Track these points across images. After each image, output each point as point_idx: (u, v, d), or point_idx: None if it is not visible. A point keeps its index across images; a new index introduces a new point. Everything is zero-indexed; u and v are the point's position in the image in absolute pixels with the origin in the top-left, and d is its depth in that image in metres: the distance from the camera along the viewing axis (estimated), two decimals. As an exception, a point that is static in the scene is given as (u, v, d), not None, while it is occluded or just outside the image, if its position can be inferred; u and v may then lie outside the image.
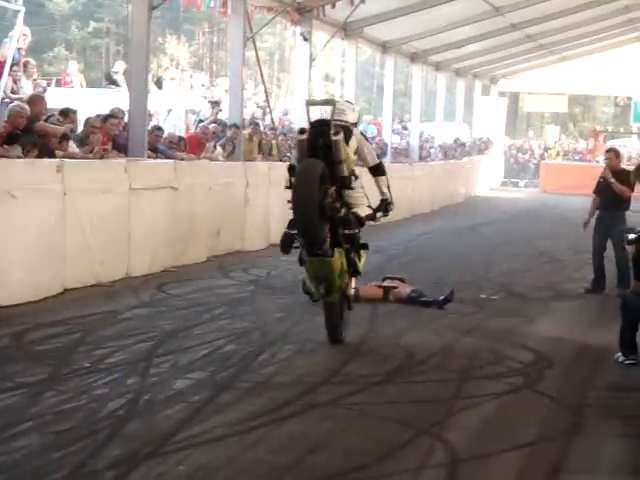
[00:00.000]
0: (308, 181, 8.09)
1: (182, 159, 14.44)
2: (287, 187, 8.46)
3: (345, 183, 8.58)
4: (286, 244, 8.49)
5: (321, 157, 8.33)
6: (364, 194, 9.09)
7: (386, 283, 11.94)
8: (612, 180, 13.03)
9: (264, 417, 6.60)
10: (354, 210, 8.89)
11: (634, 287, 9.09)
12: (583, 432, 6.74)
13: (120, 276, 12.15)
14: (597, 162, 38.61)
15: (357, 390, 7.49)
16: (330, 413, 6.88)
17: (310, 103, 9.44)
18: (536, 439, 6.52)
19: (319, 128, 8.49)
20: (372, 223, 9.30)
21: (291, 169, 8.50)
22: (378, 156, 9.72)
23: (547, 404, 7.48)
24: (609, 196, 13.13)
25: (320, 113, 10.54)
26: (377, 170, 9.33)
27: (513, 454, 6.19)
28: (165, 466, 5.60)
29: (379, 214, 9.29)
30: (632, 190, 13.04)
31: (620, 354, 8.91)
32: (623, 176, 13.08)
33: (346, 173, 8.52)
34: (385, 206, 9.31)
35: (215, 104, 18.24)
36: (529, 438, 6.51)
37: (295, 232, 8.33)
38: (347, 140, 8.73)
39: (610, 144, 43.18)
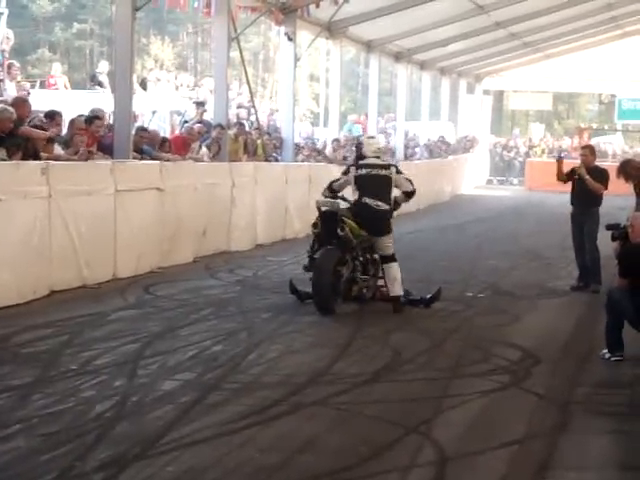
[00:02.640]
0: (323, 271, 10.45)
1: (168, 160, 14.41)
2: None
3: (353, 255, 10.86)
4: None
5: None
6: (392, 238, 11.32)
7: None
8: (587, 177, 13.02)
9: (252, 417, 6.60)
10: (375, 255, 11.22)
11: (618, 283, 9.11)
12: (570, 429, 6.76)
13: (107, 278, 12.13)
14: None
15: (345, 389, 7.50)
16: (318, 413, 6.88)
17: (320, 205, 11.10)
18: (524, 436, 6.54)
19: (328, 225, 10.73)
20: None
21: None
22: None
23: (534, 401, 7.50)
24: (583, 193, 13.12)
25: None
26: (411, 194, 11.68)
27: (501, 452, 6.21)
28: (154, 468, 5.60)
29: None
30: (605, 188, 13.08)
31: (606, 351, 8.93)
32: (597, 173, 13.11)
33: (354, 242, 10.78)
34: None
35: (200, 104, 18.22)
36: (517, 435, 6.53)
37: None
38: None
39: (595, 141, 43.43)
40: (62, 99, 18.84)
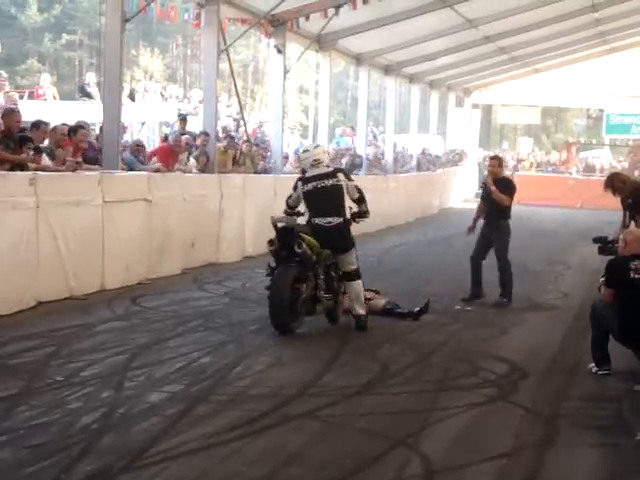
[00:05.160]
0: (280, 289, 9.96)
1: (157, 170, 14.38)
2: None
3: (315, 272, 10.39)
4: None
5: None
6: (354, 253, 10.77)
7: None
8: (493, 188, 13.02)
9: (239, 429, 6.59)
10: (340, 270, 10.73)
11: (604, 294, 9.12)
12: (557, 442, 6.76)
13: (94, 289, 12.10)
14: (570, 174, 38.92)
15: (332, 402, 7.49)
16: (306, 425, 6.87)
17: (275, 221, 10.50)
18: (511, 450, 6.54)
19: (284, 240, 10.19)
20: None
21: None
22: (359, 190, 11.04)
23: (522, 415, 7.50)
24: (492, 205, 13.12)
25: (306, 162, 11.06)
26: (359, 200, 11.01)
27: (488, 465, 6.20)
28: (140, 480, 5.58)
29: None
30: (511, 199, 13.09)
31: (593, 364, 8.95)
32: (504, 184, 13.16)
33: (313, 258, 10.28)
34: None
35: (183, 119, 18.12)
36: (504, 449, 6.53)
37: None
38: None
39: (583, 156, 43.61)
40: (51, 110, 18.83)
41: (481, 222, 13.43)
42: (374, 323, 11.08)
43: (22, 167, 11.23)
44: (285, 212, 10.96)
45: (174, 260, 14.22)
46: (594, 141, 47.45)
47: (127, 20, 13.86)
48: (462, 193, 38.63)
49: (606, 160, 43.24)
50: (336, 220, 10.50)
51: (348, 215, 10.78)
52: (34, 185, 10.87)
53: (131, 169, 14.27)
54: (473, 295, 12.99)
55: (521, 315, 12.20)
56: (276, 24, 19.77)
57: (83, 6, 53.29)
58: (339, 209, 10.61)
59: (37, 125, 12.87)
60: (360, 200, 10.97)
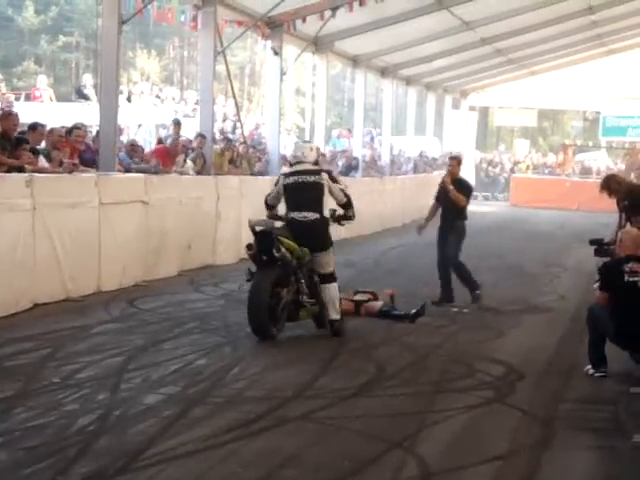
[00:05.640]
0: (258, 293, 9.68)
1: (155, 172, 14.37)
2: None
3: (292, 273, 10.05)
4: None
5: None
6: (331, 254, 10.43)
7: (357, 297, 11.95)
8: (450, 187, 13.00)
9: (235, 432, 6.59)
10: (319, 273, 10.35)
11: (599, 297, 9.12)
12: (554, 445, 6.76)
13: (91, 291, 12.09)
14: (566, 176, 38.93)
15: (329, 404, 7.49)
16: (302, 427, 6.87)
17: (252, 224, 10.19)
18: (507, 452, 6.54)
19: (262, 244, 9.87)
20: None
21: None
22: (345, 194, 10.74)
23: (518, 417, 7.50)
24: (448, 205, 13.08)
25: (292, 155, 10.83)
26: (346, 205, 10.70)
27: (484, 467, 6.21)
28: (136, 482, 5.58)
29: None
30: (468, 200, 13.10)
31: (590, 367, 8.96)
32: (461, 185, 13.18)
33: (293, 262, 9.96)
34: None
35: (177, 123, 18.09)
36: (500, 451, 6.53)
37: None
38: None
39: (580, 158, 43.62)
40: (47, 112, 18.83)
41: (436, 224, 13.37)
42: (370, 325, 11.09)
43: (19, 169, 11.21)
44: (267, 216, 10.68)
45: (170, 262, 14.21)
46: (590, 143, 47.51)
47: (124, 22, 13.84)
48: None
49: (602, 162, 43.25)
50: (312, 215, 10.19)
51: (327, 214, 10.41)
52: (30, 187, 10.86)
53: (127, 170, 14.23)
54: (443, 299, 12.93)
55: (517, 317, 12.20)
56: (273, 26, 19.76)
57: (80, 8, 53.21)
58: (316, 205, 10.24)
59: (34, 127, 12.85)
60: (347, 205, 10.68)
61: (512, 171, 42.02)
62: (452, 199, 12.96)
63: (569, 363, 9.56)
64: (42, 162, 12.25)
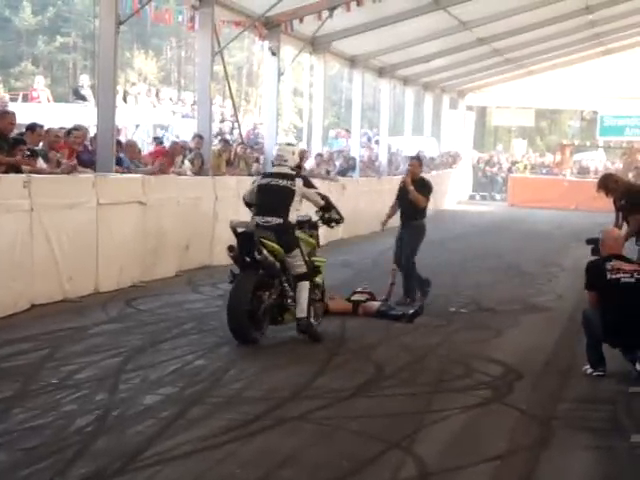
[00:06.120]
0: (238, 297, 9.57)
1: (153, 173, 14.35)
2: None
3: (276, 276, 9.94)
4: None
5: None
6: (299, 254, 10.15)
7: (355, 297, 11.96)
8: (411, 188, 13.01)
9: (234, 432, 6.59)
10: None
11: (589, 298, 9.18)
12: (552, 444, 6.76)
13: (88, 292, 12.09)
14: (564, 175, 38.95)
15: (327, 404, 7.49)
16: (300, 428, 6.87)
17: (233, 225, 10.13)
18: (505, 452, 6.54)
19: (244, 246, 9.81)
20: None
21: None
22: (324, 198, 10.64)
23: (516, 417, 7.50)
24: (407, 205, 13.10)
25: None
26: (326, 208, 10.59)
27: (483, 467, 6.21)
28: (134, 483, 5.58)
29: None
30: (427, 200, 13.11)
31: (588, 366, 8.96)
32: (421, 185, 13.18)
33: (276, 265, 9.85)
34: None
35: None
36: (499, 451, 6.53)
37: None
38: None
39: (577, 158, 43.61)
40: (45, 112, 18.82)
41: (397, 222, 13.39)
42: (368, 325, 11.09)
43: (17, 169, 11.20)
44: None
45: (168, 262, 14.21)
46: (588, 143, 47.46)
47: (121, 22, 13.83)
48: (456, 195, 38.65)
49: (600, 162, 43.25)
50: (275, 220, 10.01)
51: (293, 219, 10.18)
52: (28, 188, 10.85)
53: (126, 168, 14.21)
54: (409, 299, 12.92)
55: (515, 317, 12.20)
56: (270, 26, 19.77)
57: (77, 8, 53.25)
58: (281, 211, 10.07)
59: (32, 128, 12.84)
60: (327, 208, 10.58)
61: (510, 171, 42.00)
62: (412, 200, 12.98)
63: (567, 363, 9.57)
64: (40, 163, 12.24)
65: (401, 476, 5.96)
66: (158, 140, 17.82)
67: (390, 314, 11.58)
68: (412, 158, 14.22)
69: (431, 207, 32.61)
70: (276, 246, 9.86)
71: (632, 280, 8.81)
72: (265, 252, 9.72)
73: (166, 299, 12.21)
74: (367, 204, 22.73)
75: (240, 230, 9.97)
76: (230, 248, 9.99)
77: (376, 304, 11.82)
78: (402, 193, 13.23)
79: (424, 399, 7.87)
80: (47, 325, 10.04)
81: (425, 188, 13.20)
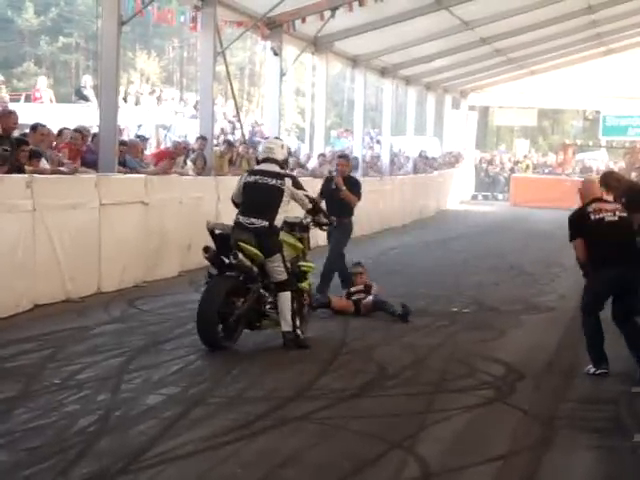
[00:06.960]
0: (209, 301, 9.18)
1: (157, 174, 14.37)
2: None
3: (253, 282, 9.47)
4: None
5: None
6: (280, 260, 9.62)
7: (354, 297, 11.95)
8: (344, 188, 12.98)
9: (236, 432, 6.59)
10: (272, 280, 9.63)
11: (576, 247, 9.22)
12: (555, 444, 6.76)
13: (91, 292, 12.09)
14: (567, 175, 38.94)
15: (329, 404, 7.48)
16: (302, 428, 6.87)
17: (211, 227, 9.79)
18: (508, 452, 6.54)
19: (221, 248, 9.42)
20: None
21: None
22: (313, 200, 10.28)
23: (519, 417, 7.50)
24: (335, 202, 12.91)
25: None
26: (314, 211, 10.22)
27: (485, 467, 6.20)
28: (137, 483, 5.58)
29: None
30: (359, 198, 13.10)
31: (591, 366, 8.96)
32: (351, 183, 13.19)
33: (254, 270, 9.39)
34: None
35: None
36: (501, 451, 6.53)
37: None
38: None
39: (579, 157, 43.61)
40: (47, 113, 18.83)
41: None
42: (370, 325, 11.09)
43: (19, 169, 11.21)
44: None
45: (171, 262, 14.21)
46: (591, 143, 47.48)
47: (123, 23, 13.85)
48: (459, 195, 38.66)
49: (602, 162, 43.28)
50: (259, 223, 9.50)
51: (279, 221, 9.71)
52: (31, 188, 10.86)
53: (131, 168, 14.22)
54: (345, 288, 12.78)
55: (517, 317, 12.20)
56: (272, 26, 19.79)
57: (80, 9, 53.32)
58: (268, 212, 9.57)
59: (35, 128, 12.85)
60: (315, 211, 10.20)
61: (512, 171, 42.02)
62: (343, 197, 12.98)
63: (570, 363, 9.57)
64: (43, 164, 12.25)
65: (403, 476, 5.95)
66: (142, 138, 17.70)
67: (385, 307, 11.60)
68: (340, 157, 14.21)
69: (433, 207, 32.89)
70: (254, 250, 9.40)
71: (615, 218, 9.03)
72: (241, 256, 9.27)
73: (168, 299, 12.22)
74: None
75: (218, 232, 9.63)
76: (205, 249, 9.52)
77: (370, 298, 11.84)
78: (329, 192, 13.11)
79: (426, 399, 7.86)
80: (49, 325, 10.05)
81: (356, 187, 13.18)
